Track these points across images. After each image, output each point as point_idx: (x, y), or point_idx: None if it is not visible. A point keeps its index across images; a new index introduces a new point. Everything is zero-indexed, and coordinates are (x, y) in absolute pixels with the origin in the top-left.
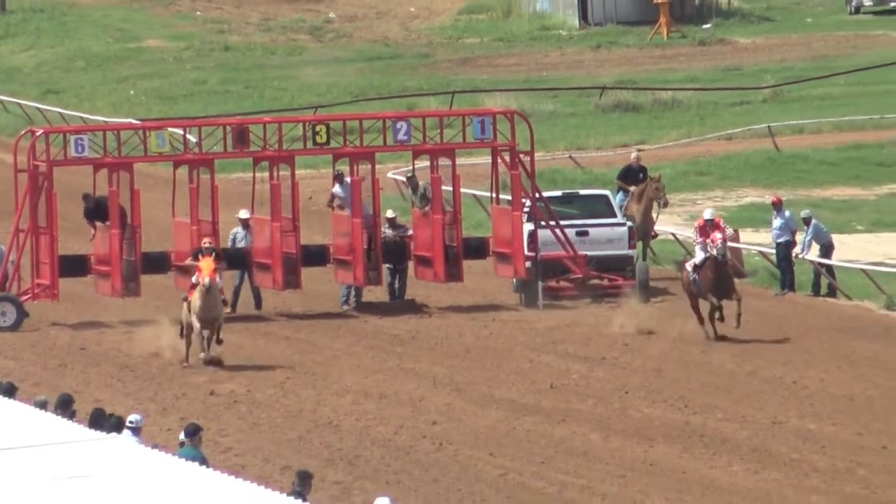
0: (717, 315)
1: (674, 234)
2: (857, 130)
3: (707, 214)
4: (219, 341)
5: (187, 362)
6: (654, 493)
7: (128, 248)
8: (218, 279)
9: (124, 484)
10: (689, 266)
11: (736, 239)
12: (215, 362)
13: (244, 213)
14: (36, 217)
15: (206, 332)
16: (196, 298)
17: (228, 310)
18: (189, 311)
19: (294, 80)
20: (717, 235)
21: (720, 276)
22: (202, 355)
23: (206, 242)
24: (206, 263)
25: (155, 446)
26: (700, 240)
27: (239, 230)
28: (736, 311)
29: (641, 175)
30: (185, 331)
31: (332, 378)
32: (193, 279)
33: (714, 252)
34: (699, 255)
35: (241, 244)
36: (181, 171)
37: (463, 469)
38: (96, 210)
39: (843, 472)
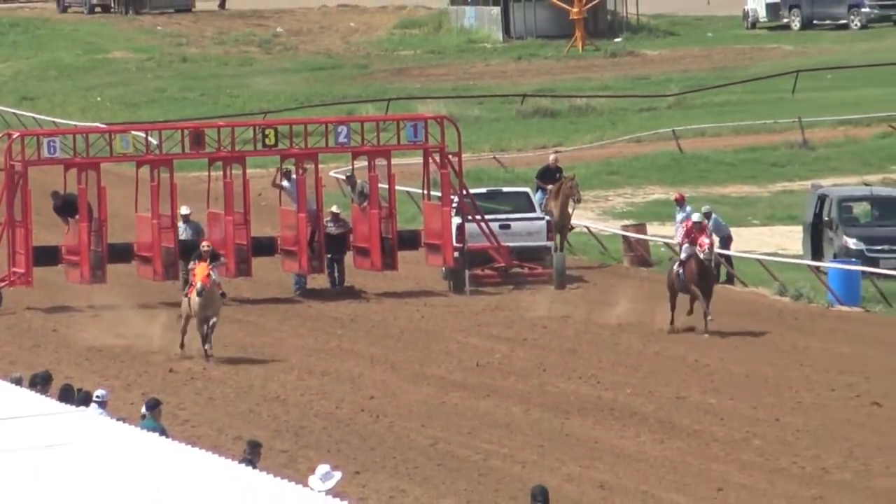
0: (691, 308)
1: (588, 228)
2: (753, 134)
3: (696, 217)
4: (209, 335)
5: (181, 349)
6: (570, 460)
7: (95, 240)
8: (214, 278)
9: (92, 453)
10: (675, 266)
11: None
12: (206, 355)
13: (185, 210)
14: (12, 211)
15: (204, 328)
16: (193, 299)
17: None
18: (189, 306)
19: (245, 88)
20: (705, 241)
21: (703, 272)
22: (206, 346)
23: (204, 246)
24: (200, 269)
25: (120, 419)
26: (685, 240)
27: (180, 225)
28: (705, 307)
29: (558, 175)
30: (184, 322)
31: (279, 357)
32: (196, 285)
33: (702, 256)
34: (684, 253)
35: (182, 237)
36: (143, 170)
37: (397, 439)
38: (64, 206)
39: (740, 441)
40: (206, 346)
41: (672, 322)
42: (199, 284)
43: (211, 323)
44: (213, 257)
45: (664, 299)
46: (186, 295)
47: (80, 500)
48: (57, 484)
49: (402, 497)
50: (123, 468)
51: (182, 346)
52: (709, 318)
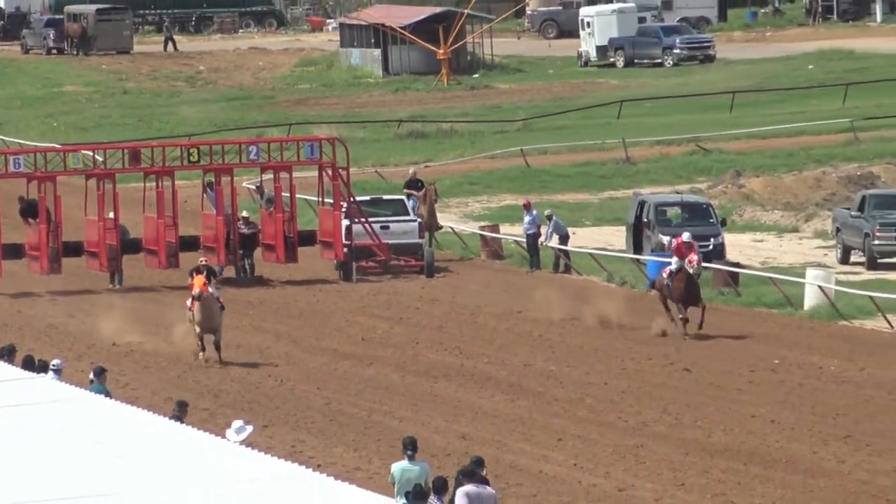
0: (683, 318)
1: (452, 228)
2: (586, 152)
3: (685, 237)
4: (217, 346)
5: (204, 361)
6: (438, 416)
7: (52, 238)
8: (212, 290)
9: (49, 412)
10: (665, 273)
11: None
12: (220, 361)
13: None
14: None
15: (209, 337)
16: (196, 310)
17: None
18: (192, 319)
19: (174, 115)
20: (695, 257)
21: (689, 287)
22: (201, 356)
23: (201, 261)
24: (198, 279)
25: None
26: (675, 255)
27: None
28: (700, 316)
29: (419, 184)
30: (197, 333)
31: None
32: (194, 292)
33: (691, 271)
34: (675, 266)
35: None
36: (91, 182)
37: (298, 399)
38: (28, 209)
39: (576, 401)
40: (214, 361)
41: (672, 320)
42: (196, 291)
43: (215, 340)
44: (210, 272)
45: (513, 287)
46: (189, 309)
47: (38, 451)
48: (19, 437)
49: (301, 446)
50: (74, 424)
51: (203, 350)
52: (685, 321)
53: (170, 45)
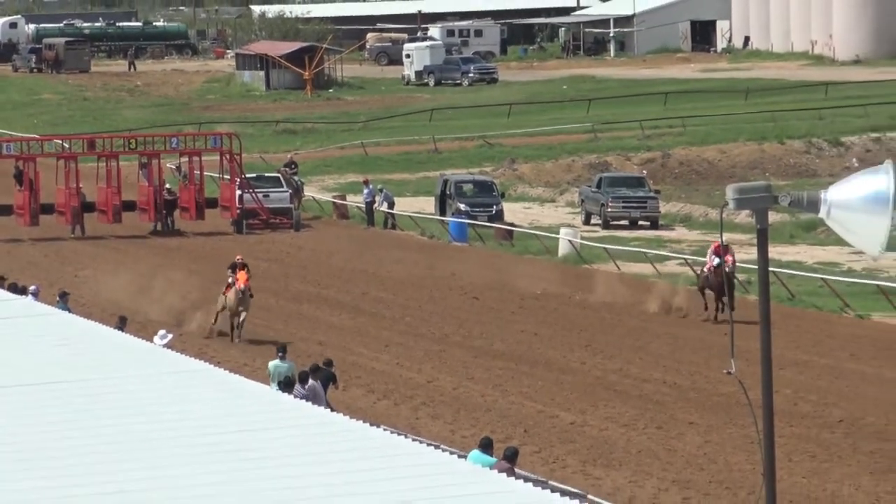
0: (717, 306)
1: (313, 197)
2: (407, 145)
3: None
4: (240, 325)
5: (213, 325)
6: (302, 329)
7: (33, 201)
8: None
9: (27, 323)
10: (706, 267)
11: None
12: (240, 337)
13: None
14: None
15: (235, 320)
16: (231, 297)
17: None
18: (225, 302)
19: (119, 115)
20: (731, 259)
21: (726, 281)
22: (213, 328)
23: (238, 258)
24: (242, 275)
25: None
26: (713, 254)
27: None
28: (719, 305)
29: (293, 166)
30: (219, 311)
31: (137, 269)
32: (230, 281)
33: (728, 270)
34: (716, 262)
35: None
36: (60, 162)
37: (205, 317)
38: (19, 175)
39: (398, 319)
40: (237, 338)
41: (706, 308)
42: (241, 285)
43: (242, 318)
44: (247, 268)
45: (354, 241)
46: (224, 293)
47: (18, 352)
48: (4, 342)
49: (206, 349)
50: (44, 331)
51: (214, 322)
52: (725, 309)
53: (132, 65)
